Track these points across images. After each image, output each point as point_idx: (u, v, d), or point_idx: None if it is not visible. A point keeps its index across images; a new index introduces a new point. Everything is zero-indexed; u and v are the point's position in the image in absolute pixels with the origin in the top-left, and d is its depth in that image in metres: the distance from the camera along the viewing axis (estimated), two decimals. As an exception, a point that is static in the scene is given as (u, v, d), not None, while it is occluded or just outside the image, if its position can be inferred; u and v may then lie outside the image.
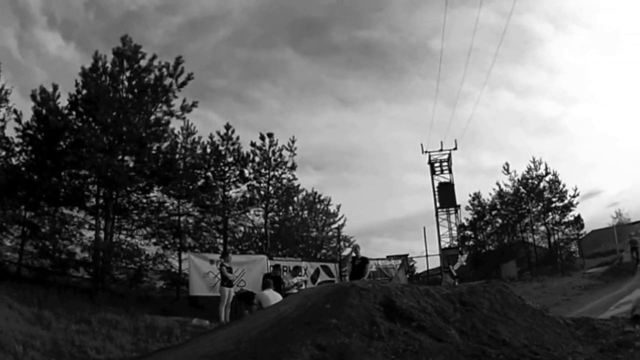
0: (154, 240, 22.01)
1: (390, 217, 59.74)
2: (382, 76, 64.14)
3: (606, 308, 14.13)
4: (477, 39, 68.07)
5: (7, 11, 46.77)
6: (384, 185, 59.19)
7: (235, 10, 62.74)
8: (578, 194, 29.27)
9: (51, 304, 13.67)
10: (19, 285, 15.80)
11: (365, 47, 65.39)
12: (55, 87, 20.03)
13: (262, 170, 25.12)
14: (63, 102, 19.96)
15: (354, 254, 16.40)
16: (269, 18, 63.87)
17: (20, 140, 19.88)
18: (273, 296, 13.07)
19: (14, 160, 20.00)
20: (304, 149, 58.17)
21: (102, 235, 19.35)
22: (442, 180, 34.50)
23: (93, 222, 19.87)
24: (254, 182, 24.95)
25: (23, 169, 19.80)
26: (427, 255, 27.14)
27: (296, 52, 66.92)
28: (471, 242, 32.46)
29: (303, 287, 18.47)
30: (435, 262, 29.55)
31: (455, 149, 33.77)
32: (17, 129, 19.79)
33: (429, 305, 6.61)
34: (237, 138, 24.21)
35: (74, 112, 19.87)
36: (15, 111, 19.95)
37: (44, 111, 19.68)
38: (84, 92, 19.57)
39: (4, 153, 19.88)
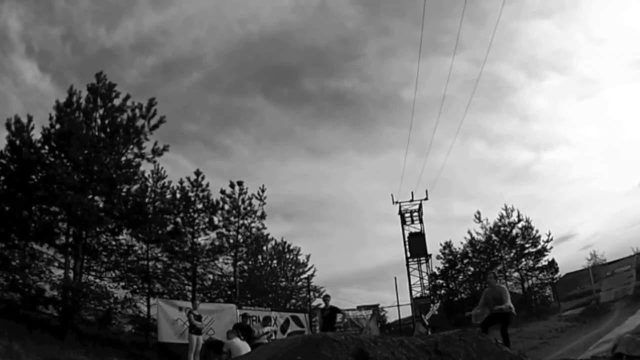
0: (122, 283, 21.61)
1: (360, 267, 59.50)
2: (353, 126, 65.01)
3: (585, 348, 14.10)
4: (449, 88, 69.52)
5: None
6: (355, 235, 59.01)
7: (209, 54, 63.40)
8: (551, 239, 29.60)
9: (21, 338, 13.26)
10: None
11: (337, 96, 66.42)
12: (30, 119, 19.73)
13: (232, 219, 24.85)
14: (37, 134, 19.68)
15: (323, 305, 16.18)
16: (242, 64, 64.61)
17: (-7, 170, 19.43)
18: (243, 346, 12.82)
19: None
20: (273, 198, 57.92)
21: (71, 275, 18.79)
22: (413, 230, 34.36)
23: (62, 260, 19.36)
24: (223, 230, 24.58)
25: (-6, 199, 19.30)
26: (398, 305, 26.90)
27: (268, 99, 67.65)
28: (443, 291, 32.35)
29: (273, 337, 18.16)
30: (407, 312, 29.28)
31: (426, 199, 33.76)
32: None
33: (403, 356, 6.46)
34: (207, 185, 24.05)
35: (46, 147, 19.51)
36: None
37: (17, 142, 19.30)
38: (58, 126, 19.32)
39: None
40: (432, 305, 24.78)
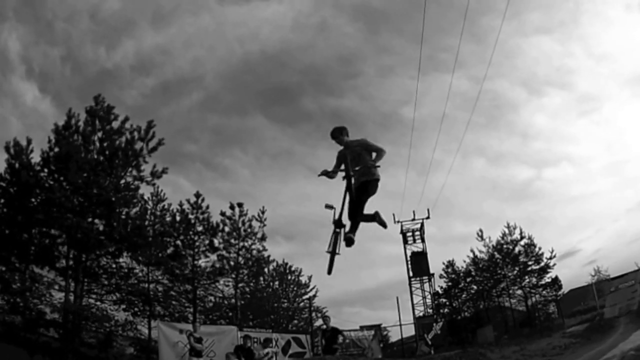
0: (123, 306, 21.45)
1: (363, 286, 59.08)
2: (353, 145, 64.79)
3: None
4: (449, 106, 69.64)
5: None
6: (357, 255, 58.64)
7: (209, 74, 63.68)
8: (554, 256, 29.48)
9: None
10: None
11: (336, 115, 66.46)
12: (29, 142, 19.73)
13: (232, 241, 24.73)
14: (36, 157, 19.68)
15: (324, 326, 16.08)
16: (242, 84, 64.83)
17: (-7, 192, 19.43)
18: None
19: None
20: (274, 218, 57.75)
21: (71, 298, 18.72)
22: (415, 249, 34.34)
23: (63, 283, 19.24)
24: (224, 252, 24.47)
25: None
26: (400, 325, 26.68)
27: (267, 119, 67.79)
28: (446, 310, 32.16)
29: (274, 359, 18.04)
30: (409, 331, 29.10)
31: (428, 217, 33.72)
32: None
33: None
34: (207, 207, 23.92)
35: (46, 169, 19.52)
36: None
37: (17, 165, 19.28)
38: (56, 149, 19.35)
39: None
40: (434, 324, 24.67)
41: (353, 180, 7.17)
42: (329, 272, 7.55)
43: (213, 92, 62.92)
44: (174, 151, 54.57)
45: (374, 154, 7.35)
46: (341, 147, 7.70)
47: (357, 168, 7.22)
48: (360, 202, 7.19)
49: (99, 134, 20.01)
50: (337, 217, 7.32)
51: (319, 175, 7.49)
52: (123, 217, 20.23)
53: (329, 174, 7.46)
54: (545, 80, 63.93)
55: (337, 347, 16.47)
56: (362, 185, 7.21)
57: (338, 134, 7.76)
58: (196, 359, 14.84)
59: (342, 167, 7.43)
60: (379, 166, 7.23)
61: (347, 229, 7.18)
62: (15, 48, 53.12)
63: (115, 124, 20.21)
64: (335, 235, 7.37)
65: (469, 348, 22.13)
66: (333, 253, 7.41)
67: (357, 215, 7.17)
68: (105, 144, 19.91)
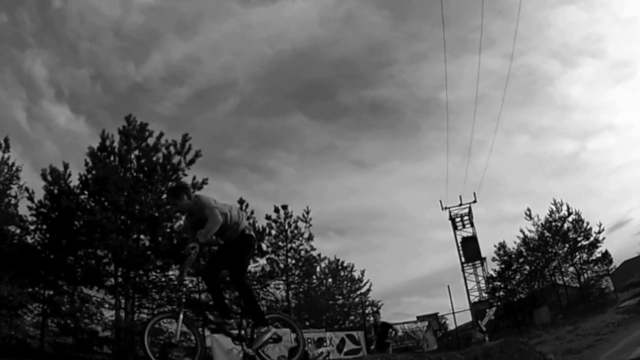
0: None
1: (419, 275, 58.94)
2: (394, 134, 64.43)
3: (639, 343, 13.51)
4: (486, 86, 68.44)
5: (14, 83, 48.33)
6: (409, 244, 58.39)
7: (241, 78, 64.15)
8: (603, 230, 28.83)
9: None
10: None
11: (375, 105, 66.03)
12: (65, 166, 20.25)
13: (280, 243, 25.00)
14: (74, 179, 20.21)
15: (373, 321, 16.03)
16: (276, 85, 65.09)
17: (34, 219, 19.97)
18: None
19: (28, 239, 20.08)
20: (324, 214, 58.01)
21: (122, 314, 19.19)
22: (465, 234, 33.93)
23: (113, 301, 19.79)
24: (273, 256, 24.70)
25: (39, 247, 19.82)
26: (453, 313, 26.39)
27: (306, 116, 67.82)
28: (501, 293, 31.64)
29: (329, 357, 18.02)
30: (465, 318, 28.77)
31: (475, 201, 33.29)
32: (29, 207, 19.95)
33: (440, 375, 6.31)
34: (252, 212, 24.10)
35: (85, 192, 20.05)
36: (27, 189, 20.22)
37: (55, 190, 19.81)
38: (94, 172, 19.82)
39: (18, 231, 19.98)
40: (488, 310, 24.27)
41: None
42: None
43: (248, 95, 63.44)
44: (217, 158, 55.30)
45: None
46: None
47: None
48: (236, 281, 5.61)
49: (135, 152, 20.40)
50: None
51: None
52: (168, 230, 20.55)
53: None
54: (576, 50, 62.32)
55: (389, 341, 16.40)
56: (223, 253, 5.66)
57: (172, 198, 6.05)
58: None
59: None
60: (194, 247, 5.49)
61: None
62: (41, 73, 54.73)
63: (151, 140, 20.59)
64: None
65: (523, 331, 21.80)
66: None
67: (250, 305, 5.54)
68: (142, 161, 20.28)
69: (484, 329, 19.76)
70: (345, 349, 21.24)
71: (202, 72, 62.57)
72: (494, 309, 26.71)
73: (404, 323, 23.74)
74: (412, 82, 67.35)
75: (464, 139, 67.78)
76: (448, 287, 26.27)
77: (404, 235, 58.75)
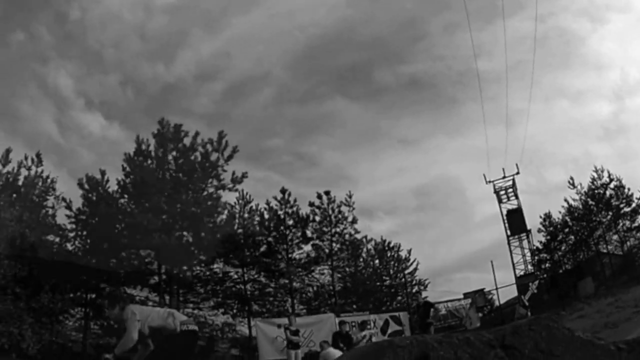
0: (221, 310, 22.47)
1: (467, 250, 58.20)
2: (435, 109, 63.38)
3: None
4: (520, 51, 66.72)
5: (39, 95, 49.54)
6: (457, 220, 57.89)
7: (274, 68, 64.21)
8: (644, 194, 28.03)
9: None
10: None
11: (413, 81, 65.09)
12: (103, 173, 21.03)
13: (324, 229, 25.28)
14: (112, 185, 20.93)
15: (416, 301, 16.19)
16: (310, 71, 64.90)
17: (74, 226, 20.79)
18: (338, 354, 13.05)
19: (68, 246, 20.89)
20: (372, 195, 57.93)
21: (167, 311, 19.79)
22: (510, 207, 33.59)
23: (157, 298, 20.52)
24: (317, 241, 25.14)
25: (80, 253, 20.55)
26: (497, 288, 26.28)
27: (346, 99, 67.50)
28: (547, 265, 31.30)
29: (373, 339, 18.27)
30: (511, 292, 28.61)
31: (518, 173, 32.89)
32: (68, 216, 20.76)
33: (466, 354, 6.47)
34: (295, 200, 24.66)
35: (125, 196, 20.81)
36: (64, 199, 21.00)
37: (93, 197, 20.58)
38: (132, 177, 20.59)
39: (57, 239, 20.78)
40: (530, 284, 24.05)
41: None
42: None
43: (284, 84, 63.32)
44: (258, 149, 55.62)
45: None
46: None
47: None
48: None
49: (173, 154, 21.03)
50: None
51: None
52: (210, 226, 21.12)
53: None
54: (604, 5, 60.13)
55: (430, 321, 16.55)
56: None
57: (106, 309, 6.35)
58: (294, 351, 15.23)
59: None
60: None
61: None
62: (67, 84, 55.50)
63: (187, 140, 21.21)
64: None
65: (566, 304, 21.57)
66: None
67: None
68: (180, 162, 20.86)
69: (527, 303, 19.63)
70: (389, 331, 21.46)
71: (234, 65, 63.01)
72: (536, 282, 26.43)
73: (447, 301, 23.85)
74: (448, 54, 66.05)
75: (506, 107, 66.18)
76: (491, 262, 26.09)
77: (452, 211, 58.29)
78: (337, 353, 13.05)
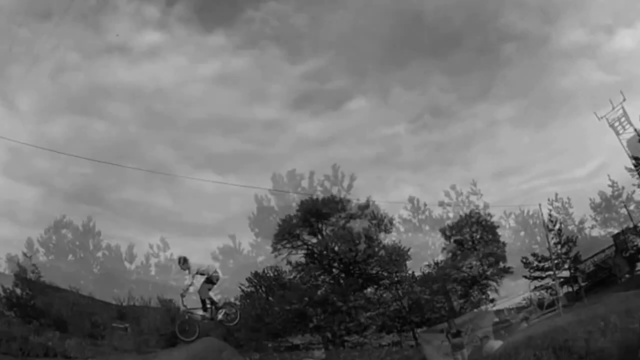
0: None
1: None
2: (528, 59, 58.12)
3: None
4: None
5: None
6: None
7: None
8: None
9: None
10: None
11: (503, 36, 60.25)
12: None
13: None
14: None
15: None
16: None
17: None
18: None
19: None
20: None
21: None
22: (628, 136, 32.46)
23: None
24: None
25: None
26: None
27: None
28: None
29: (529, 317, 18.76)
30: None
31: (624, 100, 31.78)
32: None
33: None
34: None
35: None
36: None
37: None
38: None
39: None
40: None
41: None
42: None
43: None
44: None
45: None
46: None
47: None
48: None
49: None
50: None
51: None
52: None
53: None
54: None
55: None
56: None
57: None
58: (460, 352, 16.04)
59: None
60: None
61: None
62: None
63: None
64: None
65: None
66: None
67: None
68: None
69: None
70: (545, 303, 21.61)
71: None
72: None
73: (593, 256, 23.61)
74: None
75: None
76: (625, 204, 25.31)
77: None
78: (498, 343, 13.87)
